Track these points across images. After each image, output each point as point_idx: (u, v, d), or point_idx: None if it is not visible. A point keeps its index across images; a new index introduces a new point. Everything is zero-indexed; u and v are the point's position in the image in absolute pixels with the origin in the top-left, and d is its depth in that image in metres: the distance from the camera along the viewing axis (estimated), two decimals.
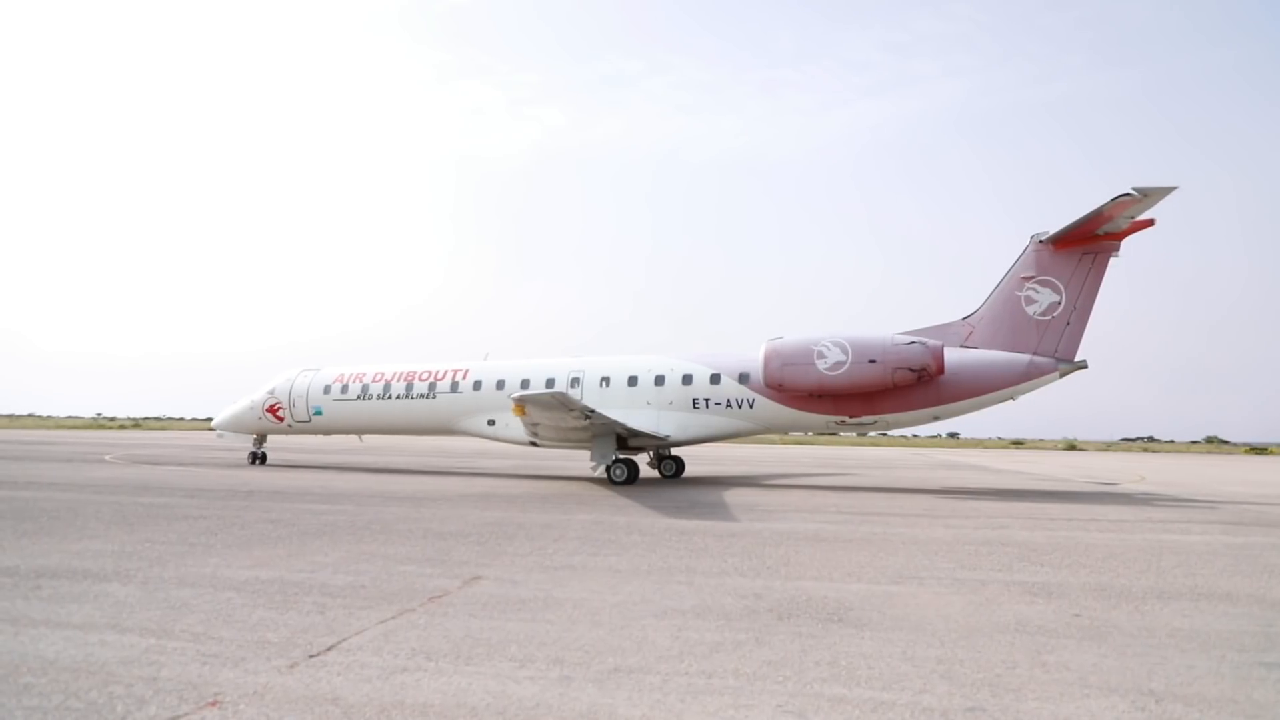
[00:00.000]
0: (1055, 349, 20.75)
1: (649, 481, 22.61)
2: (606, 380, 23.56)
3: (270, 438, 29.89)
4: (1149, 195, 18.91)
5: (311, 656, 5.09)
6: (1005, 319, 21.22)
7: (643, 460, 25.81)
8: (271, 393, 28.02)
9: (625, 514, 13.90)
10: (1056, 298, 20.83)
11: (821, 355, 20.81)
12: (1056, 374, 20.71)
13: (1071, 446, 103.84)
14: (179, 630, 5.65)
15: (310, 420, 27.50)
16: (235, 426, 29.15)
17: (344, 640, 5.47)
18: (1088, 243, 20.69)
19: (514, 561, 8.79)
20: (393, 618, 6.12)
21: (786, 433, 23.01)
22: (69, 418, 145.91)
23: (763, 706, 4.36)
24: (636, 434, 21.40)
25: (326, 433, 28.26)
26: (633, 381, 23.25)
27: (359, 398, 26.50)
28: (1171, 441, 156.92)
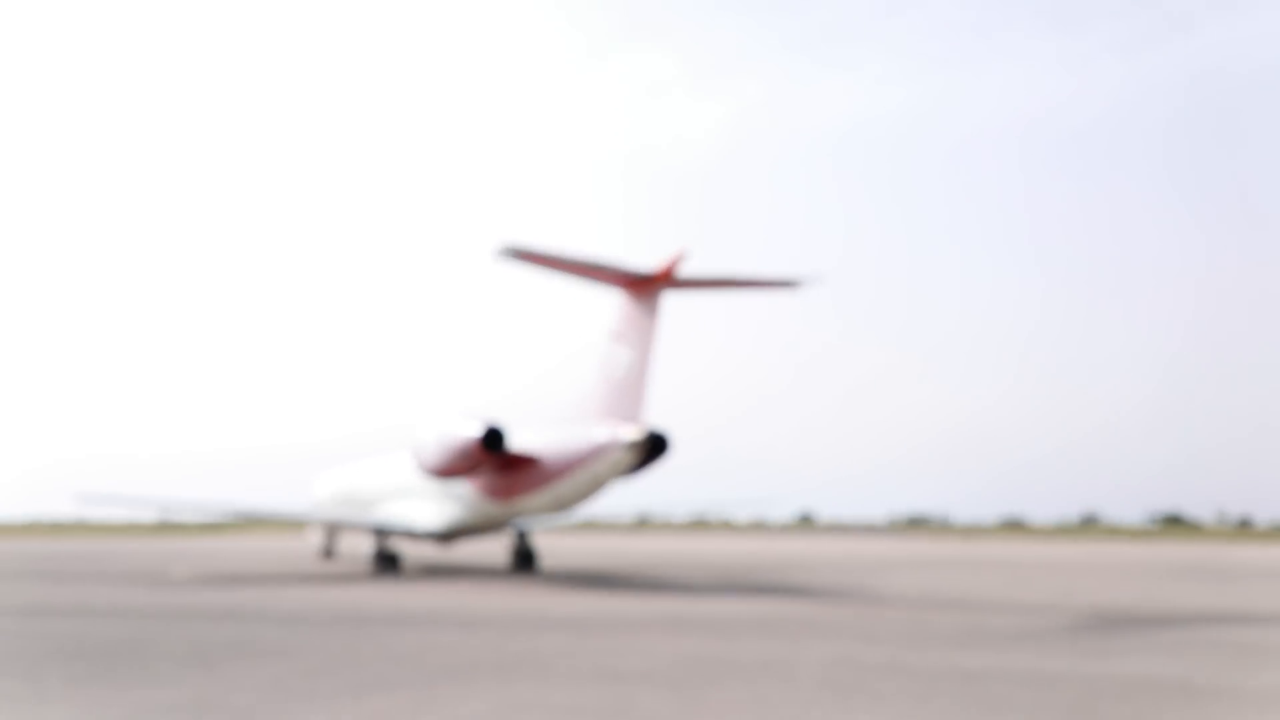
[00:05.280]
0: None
1: (908, 600, 17.63)
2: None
3: None
4: (518, 254, 20.88)
5: None
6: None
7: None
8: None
9: (880, 645, 10.46)
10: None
11: None
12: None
13: None
14: None
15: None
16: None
17: None
18: (639, 287, 21.62)
19: (724, 718, 6.22)
20: None
21: None
22: (127, 524, 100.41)
23: None
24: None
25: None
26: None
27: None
28: None
